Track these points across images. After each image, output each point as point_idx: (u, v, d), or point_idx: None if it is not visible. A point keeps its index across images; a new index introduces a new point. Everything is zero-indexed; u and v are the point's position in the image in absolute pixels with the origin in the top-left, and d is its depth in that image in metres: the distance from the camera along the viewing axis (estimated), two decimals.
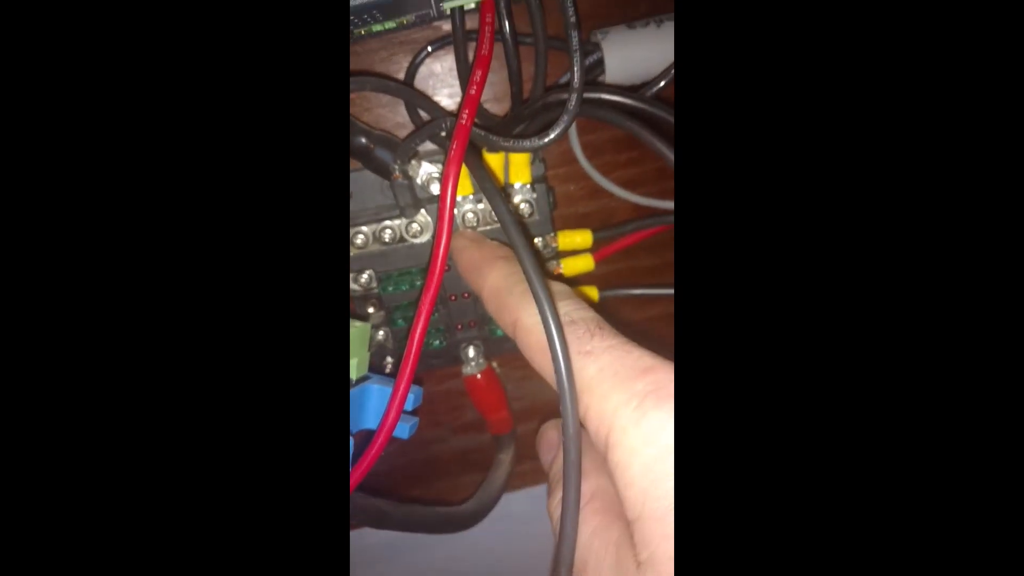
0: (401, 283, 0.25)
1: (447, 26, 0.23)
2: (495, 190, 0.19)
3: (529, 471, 0.34)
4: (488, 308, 0.20)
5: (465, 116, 0.19)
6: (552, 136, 0.20)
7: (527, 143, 0.20)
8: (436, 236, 0.19)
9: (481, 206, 0.24)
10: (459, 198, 0.24)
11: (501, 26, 0.20)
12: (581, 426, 0.16)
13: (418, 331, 0.19)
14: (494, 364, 0.29)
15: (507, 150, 0.21)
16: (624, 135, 0.27)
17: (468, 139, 0.19)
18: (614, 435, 0.14)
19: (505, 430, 0.29)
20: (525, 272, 0.17)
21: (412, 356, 0.19)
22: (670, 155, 0.19)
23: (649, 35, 0.23)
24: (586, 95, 0.20)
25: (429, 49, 0.24)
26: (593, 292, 0.27)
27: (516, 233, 0.17)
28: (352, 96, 0.25)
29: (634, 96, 0.20)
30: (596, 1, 0.25)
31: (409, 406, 0.21)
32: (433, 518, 0.25)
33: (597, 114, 0.20)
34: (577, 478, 0.16)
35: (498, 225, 0.24)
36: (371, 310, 0.25)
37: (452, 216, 0.19)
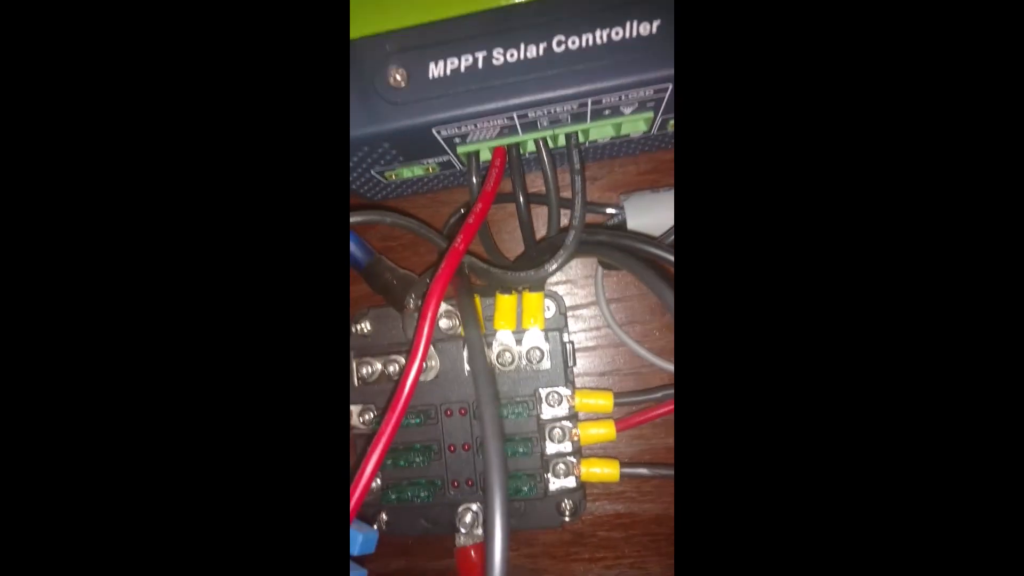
0: (404, 421, 0.24)
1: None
2: (473, 321, 0.18)
3: None
4: None
5: (459, 241, 0.19)
6: (549, 269, 0.20)
7: (523, 274, 0.20)
8: (412, 348, 0.18)
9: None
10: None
11: (512, 170, 0.21)
12: None
13: (385, 433, 0.17)
14: None
15: (505, 281, 0.21)
16: (658, 302, 0.26)
17: (458, 263, 0.19)
18: None
19: None
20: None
21: (372, 463, 0.17)
22: (669, 298, 0.17)
23: (668, 197, 0.23)
24: (588, 236, 0.20)
25: (462, 211, 0.26)
26: (614, 467, 0.24)
27: (483, 372, 0.16)
28: (373, 228, 0.27)
29: (633, 237, 0.20)
30: (629, 176, 0.26)
31: (355, 549, 0.18)
32: None
33: (599, 252, 0.20)
34: None
35: (503, 368, 0.23)
36: None
37: (431, 330, 0.18)
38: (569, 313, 0.25)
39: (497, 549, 0.14)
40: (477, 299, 0.23)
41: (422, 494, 0.23)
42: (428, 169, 0.22)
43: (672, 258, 0.20)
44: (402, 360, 0.24)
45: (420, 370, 0.18)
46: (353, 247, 0.25)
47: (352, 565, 0.18)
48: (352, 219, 0.23)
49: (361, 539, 0.18)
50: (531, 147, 0.22)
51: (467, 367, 0.24)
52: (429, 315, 0.18)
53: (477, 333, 0.18)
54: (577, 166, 0.20)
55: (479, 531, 0.23)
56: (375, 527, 0.23)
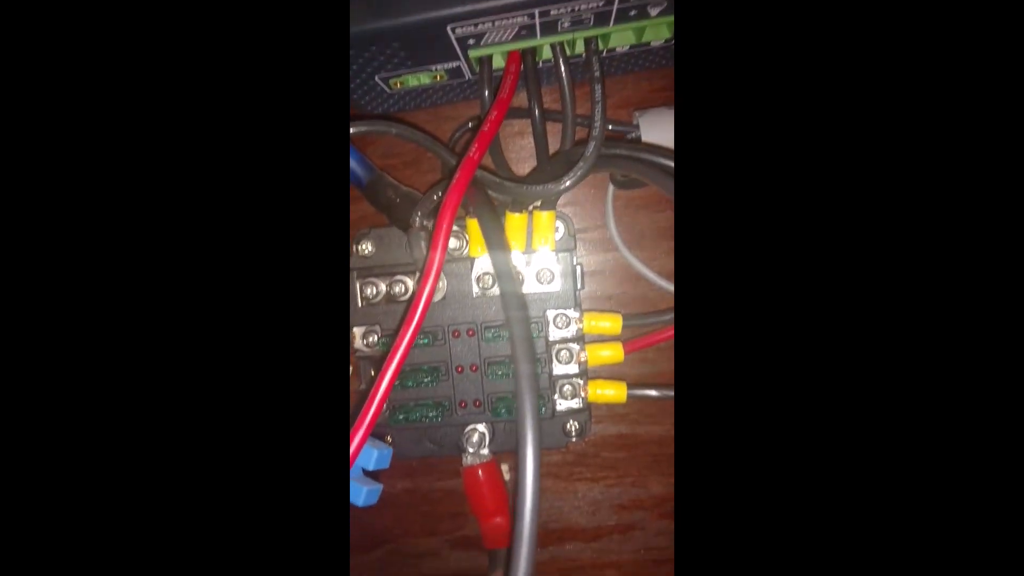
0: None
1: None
2: (496, 231, 0.17)
3: None
4: None
5: (473, 150, 0.18)
6: (568, 183, 0.19)
7: (540, 188, 0.19)
8: (426, 263, 0.18)
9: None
10: (479, 258, 0.23)
11: (527, 78, 0.20)
12: None
13: (399, 352, 0.17)
14: (504, 468, 0.25)
15: (520, 196, 0.20)
16: (668, 220, 0.25)
17: (473, 172, 0.18)
18: None
19: (501, 544, 0.24)
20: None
21: (386, 381, 0.17)
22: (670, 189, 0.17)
23: None
24: (607, 150, 0.20)
25: (470, 124, 0.25)
26: (621, 389, 0.24)
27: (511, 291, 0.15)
28: (373, 144, 0.26)
29: (655, 150, 0.19)
30: (642, 93, 0.25)
31: (370, 464, 0.18)
32: None
33: (617, 165, 0.19)
34: None
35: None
36: (373, 372, 0.24)
37: (447, 241, 0.18)
38: (577, 235, 0.25)
39: (529, 471, 0.14)
40: None
41: (430, 414, 0.23)
42: (436, 76, 0.21)
43: None
44: (407, 280, 0.23)
45: (435, 285, 0.18)
46: (353, 163, 0.24)
47: (368, 480, 0.18)
48: (353, 130, 0.21)
49: (376, 455, 0.18)
50: (546, 54, 0.20)
51: (475, 288, 0.23)
52: (444, 226, 0.18)
53: (502, 242, 0.17)
54: (597, 73, 0.19)
55: (485, 451, 0.24)
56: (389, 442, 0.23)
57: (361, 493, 0.18)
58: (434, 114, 0.26)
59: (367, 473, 0.18)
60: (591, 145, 0.19)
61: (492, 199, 0.20)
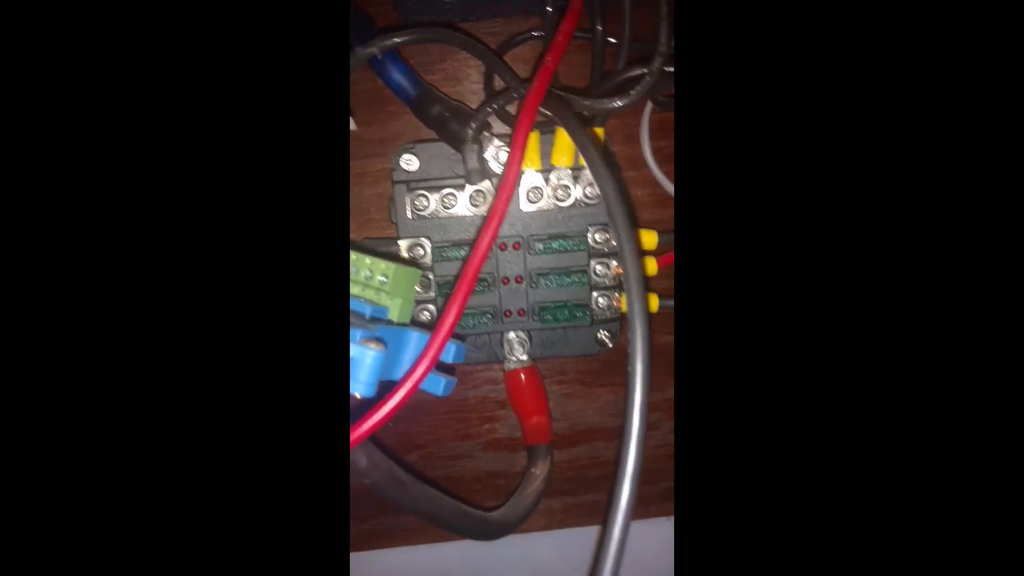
0: (455, 255, 0.24)
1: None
2: (589, 141, 0.18)
3: (558, 509, 0.30)
4: None
5: (549, 59, 0.19)
6: (633, 95, 0.20)
7: (601, 104, 0.20)
8: (506, 174, 0.18)
9: (546, 187, 0.24)
10: (527, 172, 0.24)
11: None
12: None
13: (479, 256, 0.18)
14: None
15: (587, 109, 0.21)
16: None
17: (551, 79, 0.19)
18: None
19: (543, 439, 0.26)
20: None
21: (463, 290, 0.18)
22: None
23: None
24: (671, 68, 0.21)
25: (533, 33, 0.25)
26: (652, 300, 0.26)
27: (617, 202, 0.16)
28: (438, 56, 0.25)
29: None
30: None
31: (448, 358, 0.19)
32: (452, 512, 0.22)
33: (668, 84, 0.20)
34: None
35: (560, 204, 0.24)
36: (418, 289, 0.24)
37: (523, 151, 0.18)
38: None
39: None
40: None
41: (482, 320, 0.24)
42: None
43: None
44: (457, 193, 0.24)
45: (510, 196, 0.18)
46: (400, 76, 0.24)
47: (444, 373, 0.19)
48: (403, 39, 0.21)
49: (454, 349, 0.19)
50: None
51: (523, 203, 0.24)
52: (523, 131, 0.18)
53: (597, 151, 0.18)
54: None
55: (524, 356, 0.25)
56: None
57: (440, 384, 0.19)
58: (474, 26, 0.25)
59: (443, 368, 0.19)
60: (655, 63, 0.20)
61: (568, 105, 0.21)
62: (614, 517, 0.14)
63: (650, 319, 0.16)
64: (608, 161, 0.19)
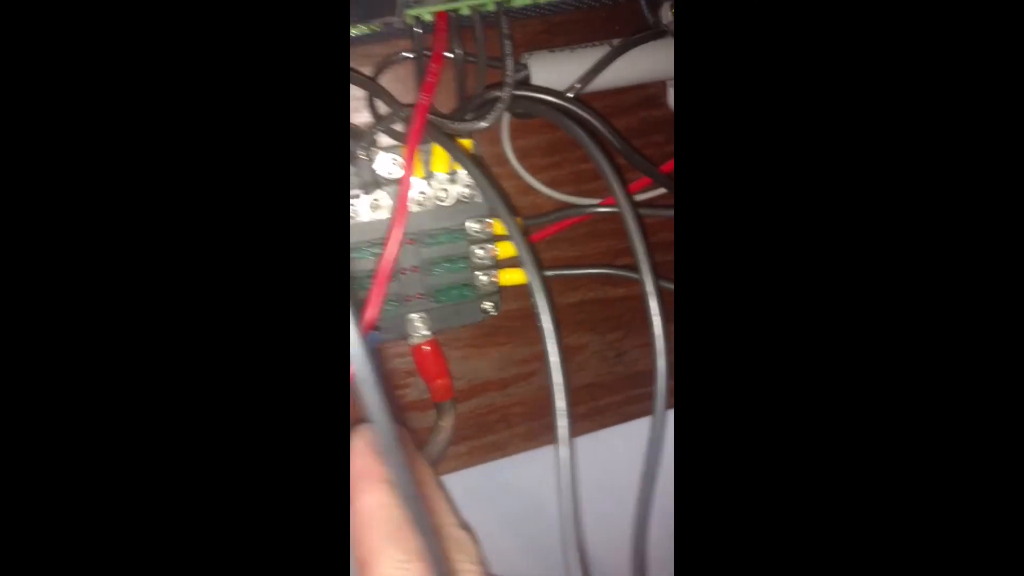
0: (363, 255, 0.28)
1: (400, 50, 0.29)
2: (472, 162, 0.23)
3: (464, 452, 0.36)
4: (352, 529, 0.19)
5: (423, 97, 0.23)
6: (490, 119, 0.25)
7: (469, 125, 0.25)
8: (401, 185, 0.23)
9: (429, 190, 0.28)
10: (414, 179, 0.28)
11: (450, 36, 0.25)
12: None
13: (388, 263, 0.22)
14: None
15: (455, 132, 0.26)
16: (548, 142, 0.32)
17: (426, 114, 0.23)
18: None
19: (447, 396, 0.32)
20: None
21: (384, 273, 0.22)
22: (581, 134, 0.24)
23: (565, 57, 0.29)
24: (519, 92, 0.26)
25: (404, 54, 0.29)
26: (522, 275, 0.32)
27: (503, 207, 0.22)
28: None
29: (556, 93, 0.26)
30: (527, 35, 0.31)
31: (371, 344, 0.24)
32: None
33: (527, 108, 0.26)
34: None
35: (441, 204, 0.29)
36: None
37: (411, 175, 0.23)
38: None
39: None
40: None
41: (388, 307, 0.29)
42: (372, 29, 0.25)
43: (580, 111, 0.26)
44: (356, 204, 0.28)
45: (405, 210, 0.23)
46: None
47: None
48: None
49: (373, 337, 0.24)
50: (464, 11, 0.25)
51: (413, 206, 0.29)
52: (409, 164, 0.23)
53: (469, 158, 0.23)
54: (506, 31, 0.25)
55: (427, 331, 0.30)
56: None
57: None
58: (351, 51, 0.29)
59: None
60: (505, 90, 0.25)
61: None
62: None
63: (546, 283, 0.22)
64: (479, 163, 0.24)
